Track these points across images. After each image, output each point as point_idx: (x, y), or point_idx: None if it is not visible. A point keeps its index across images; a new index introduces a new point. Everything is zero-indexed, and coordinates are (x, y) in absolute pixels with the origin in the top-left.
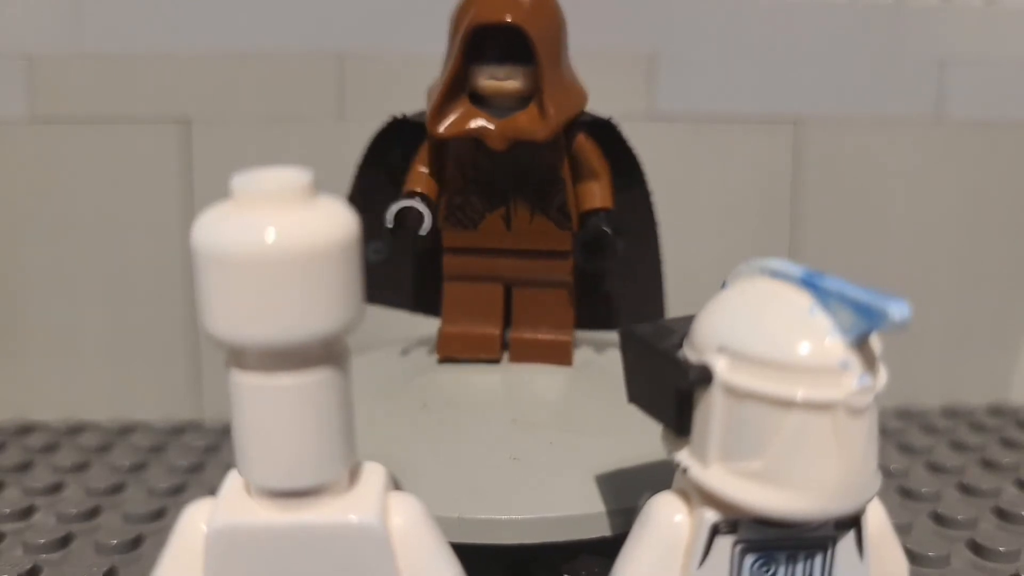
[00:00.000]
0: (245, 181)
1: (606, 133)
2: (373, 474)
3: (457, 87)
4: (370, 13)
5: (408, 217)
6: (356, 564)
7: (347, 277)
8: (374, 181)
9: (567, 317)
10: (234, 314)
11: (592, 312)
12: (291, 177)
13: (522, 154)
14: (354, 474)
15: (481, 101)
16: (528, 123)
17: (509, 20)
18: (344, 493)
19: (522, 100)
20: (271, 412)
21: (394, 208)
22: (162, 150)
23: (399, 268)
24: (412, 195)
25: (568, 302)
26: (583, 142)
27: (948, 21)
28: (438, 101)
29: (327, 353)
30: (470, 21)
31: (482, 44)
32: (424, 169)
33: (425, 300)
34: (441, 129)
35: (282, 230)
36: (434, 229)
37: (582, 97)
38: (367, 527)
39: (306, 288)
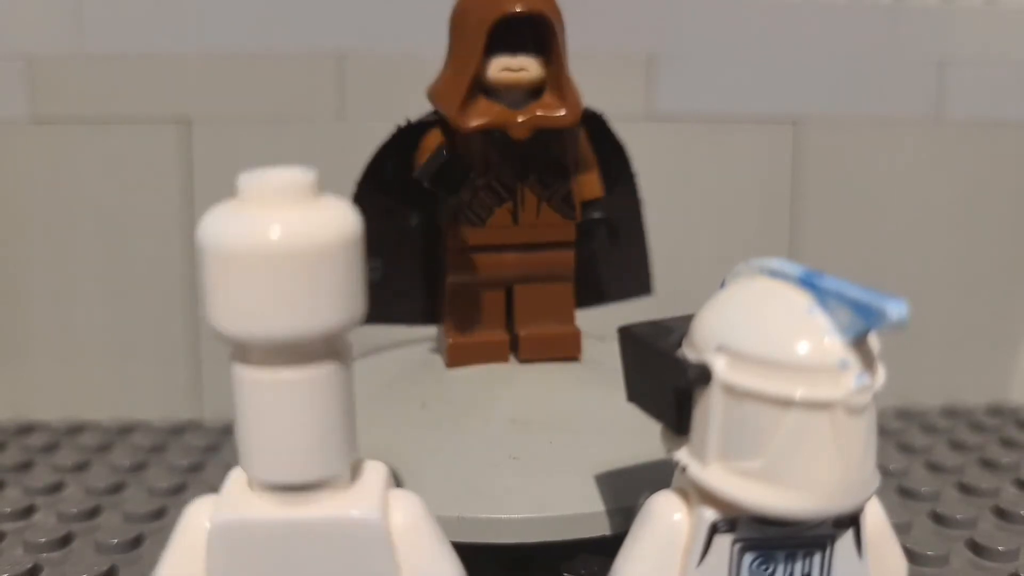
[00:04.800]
0: (250, 179)
1: (594, 126)
2: (374, 472)
3: (475, 82)
4: (370, 13)
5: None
6: (357, 559)
7: (349, 274)
8: (370, 196)
9: (569, 310)
10: (238, 309)
11: (583, 290)
12: (295, 176)
13: (534, 144)
14: (355, 471)
15: (489, 94)
16: (552, 110)
17: (538, 9)
18: (345, 489)
19: (531, 92)
20: (275, 406)
21: (432, 167)
22: (162, 150)
23: (397, 284)
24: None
25: (569, 296)
26: (582, 134)
27: (948, 21)
28: (463, 96)
29: (330, 349)
30: (495, 12)
31: (491, 37)
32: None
33: (426, 311)
34: (469, 123)
35: (286, 227)
36: (436, 230)
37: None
38: (368, 522)
39: (310, 284)
